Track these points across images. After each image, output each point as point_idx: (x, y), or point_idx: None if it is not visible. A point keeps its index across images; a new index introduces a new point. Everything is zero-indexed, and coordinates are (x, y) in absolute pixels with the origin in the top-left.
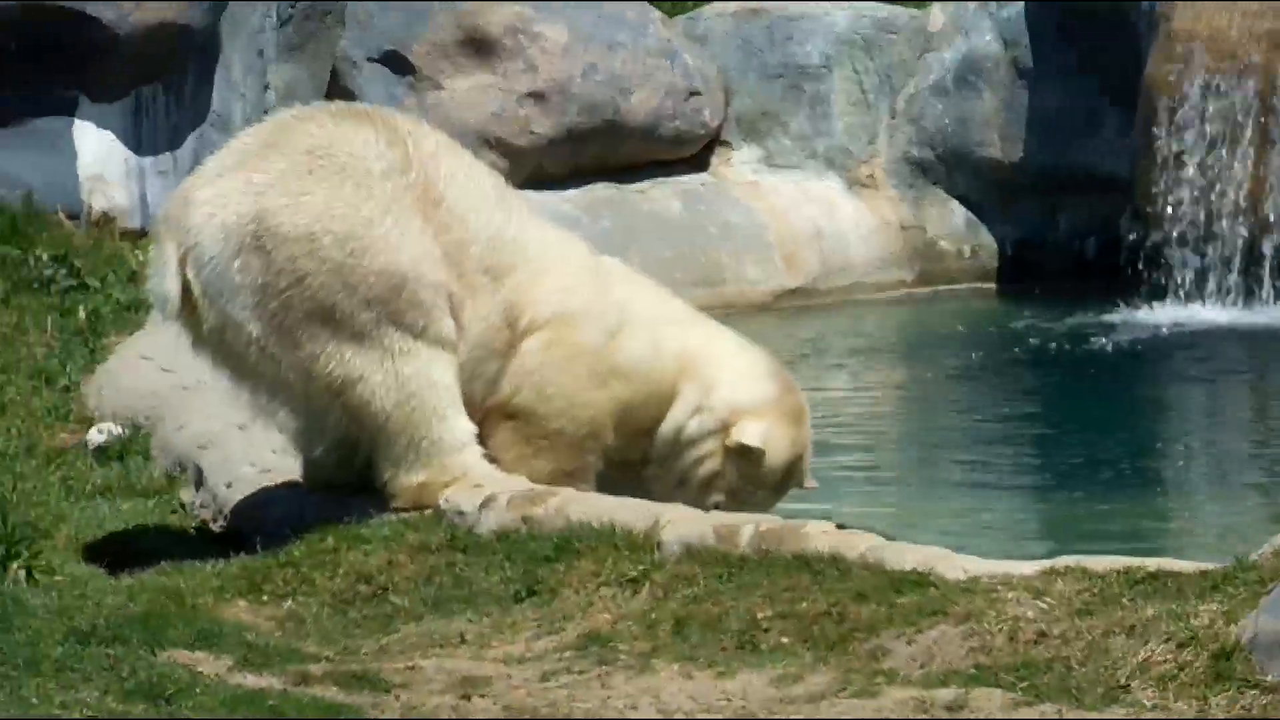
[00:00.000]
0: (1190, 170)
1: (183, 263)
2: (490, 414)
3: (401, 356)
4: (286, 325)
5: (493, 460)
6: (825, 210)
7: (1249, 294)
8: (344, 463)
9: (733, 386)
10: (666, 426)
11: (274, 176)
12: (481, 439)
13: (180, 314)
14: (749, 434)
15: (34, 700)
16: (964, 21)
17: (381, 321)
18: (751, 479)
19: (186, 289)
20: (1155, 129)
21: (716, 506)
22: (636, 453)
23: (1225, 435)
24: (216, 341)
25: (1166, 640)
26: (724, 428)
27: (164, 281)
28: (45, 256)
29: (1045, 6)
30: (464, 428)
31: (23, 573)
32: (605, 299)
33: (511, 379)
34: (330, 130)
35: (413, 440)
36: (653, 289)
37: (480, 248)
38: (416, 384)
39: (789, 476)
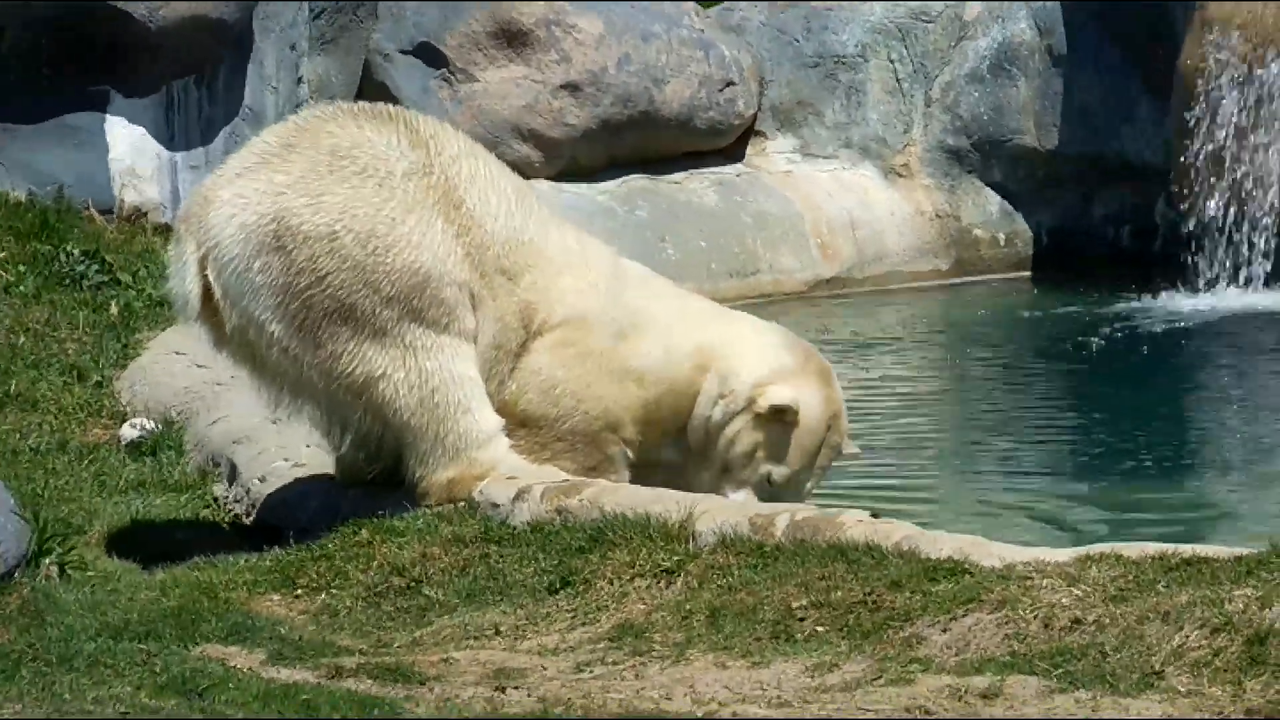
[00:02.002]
0: (1225, 157)
1: (203, 263)
2: (504, 418)
3: (424, 352)
4: (308, 324)
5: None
6: (860, 199)
7: None
8: (372, 459)
9: (750, 365)
10: (694, 422)
11: (295, 176)
12: None
13: (201, 314)
14: (778, 395)
15: (67, 696)
16: (1000, 9)
17: (403, 319)
18: (793, 441)
19: (207, 289)
20: (1189, 116)
21: (769, 481)
22: (671, 453)
23: (1261, 421)
24: (239, 341)
25: (1201, 626)
26: (750, 403)
27: (184, 283)
28: (77, 252)
29: None
30: (490, 420)
31: (55, 569)
32: (619, 302)
33: (518, 379)
34: (353, 131)
35: (439, 436)
36: (671, 291)
37: (498, 249)
38: (439, 379)
39: (831, 434)
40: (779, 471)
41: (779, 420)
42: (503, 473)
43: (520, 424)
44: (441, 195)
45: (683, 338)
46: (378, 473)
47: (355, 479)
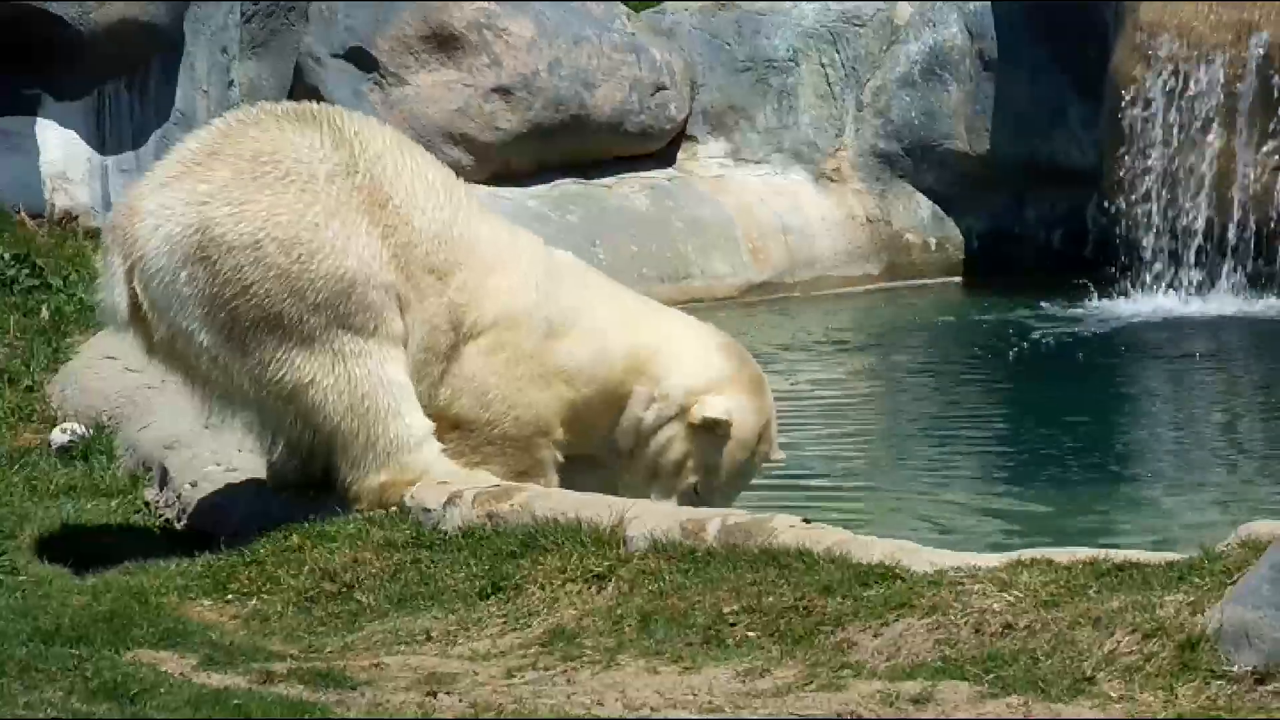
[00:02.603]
0: (1156, 162)
1: (130, 274)
2: (435, 421)
3: (352, 358)
4: (236, 333)
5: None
6: (792, 204)
7: (1214, 284)
8: (304, 464)
9: (684, 370)
10: (624, 424)
11: (217, 185)
12: None
13: (130, 324)
14: (712, 407)
15: None
16: (931, 13)
17: (331, 325)
18: (724, 454)
19: (136, 300)
20: (1121, 120)
21: (695, 490)
22: (597, 448)
23: (1192, 426)
24: (167, 351)
25: (1132, 631)
26: (683, 411)
27: (113, 294)
28: (7, 256)
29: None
30: (420, 424)
31: None
32: (552, 300)
33: (451, 384)
34: (275, 135)
35: (369, 441)
36: (605, 286)
37: (426, 247)
38: (369, 384)
39: (760, 444)
40: (707, 480)
41: (711, 432)
42: (434, 478)
43: (452, 427)
44: (367, 195)
45: (616, 338)
46: (309, 477)
47: (287, 483)
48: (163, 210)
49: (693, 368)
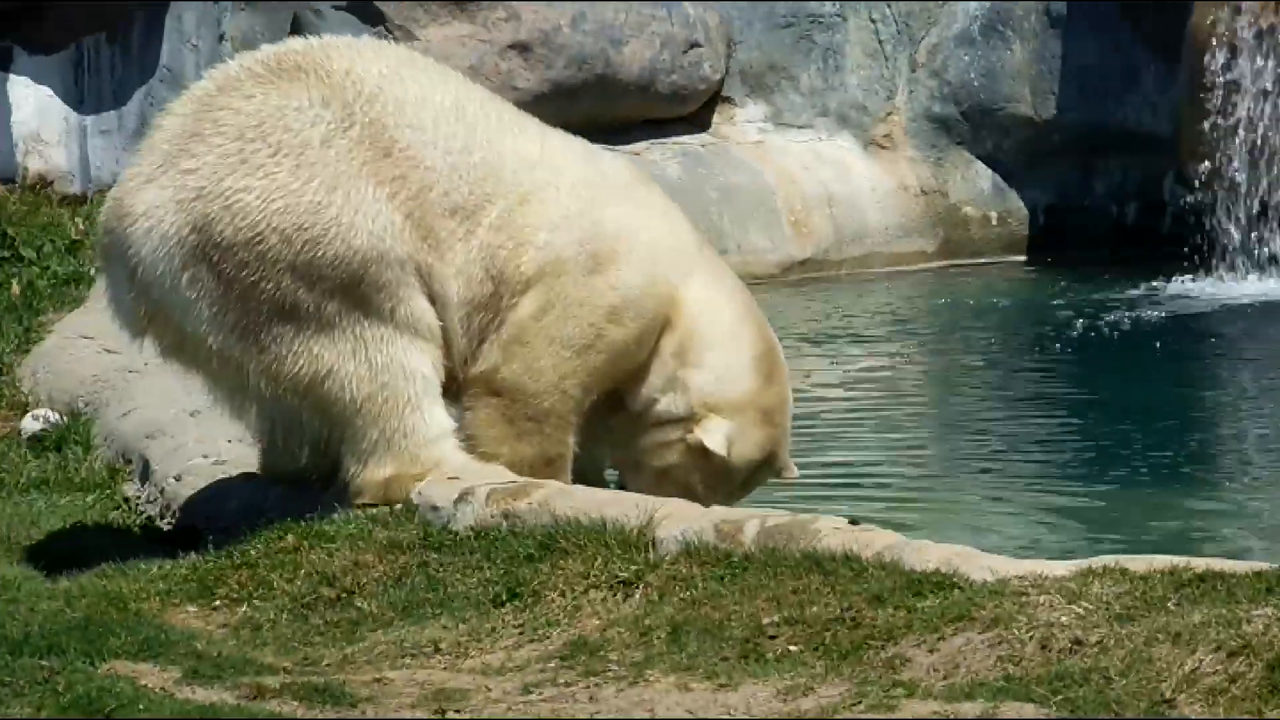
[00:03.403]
0: (1239, 128)
1: (131, 278)
2: (473, 384)
3: (374, 344)
4: (249, 331)
5: (470, 443)
6: (838, 173)
7: None
8: (305, 459)
9: (712, 373)
10: (641, 393)
11: (205, 174)
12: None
13: (147, 332)
14: (712, 437)
15: None
16: None
17: (349, 310)
18: (709, 478)
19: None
20: (1201, 82)
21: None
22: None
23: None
24: (177, 354)
25: (1216, 649)
26: (690, 417)
27: (121, 305)
28: None
29: None
30: (440, 419)
31: None
32: (600, 226)
33: (501, 344)
34: (258, 102)
35: (383, 431)
36: (660, 207)
37: (443, 185)
38: (390, 373)
39: (753, 478)
40: (695, 490)
41: (703, 456)
42: (446, 471)
43: (493, 392)
44: (368, 148)
45: (666, 272)
46: (310, 471)
47: (283, 476)
48: (153, 210)
49: (718, 372)
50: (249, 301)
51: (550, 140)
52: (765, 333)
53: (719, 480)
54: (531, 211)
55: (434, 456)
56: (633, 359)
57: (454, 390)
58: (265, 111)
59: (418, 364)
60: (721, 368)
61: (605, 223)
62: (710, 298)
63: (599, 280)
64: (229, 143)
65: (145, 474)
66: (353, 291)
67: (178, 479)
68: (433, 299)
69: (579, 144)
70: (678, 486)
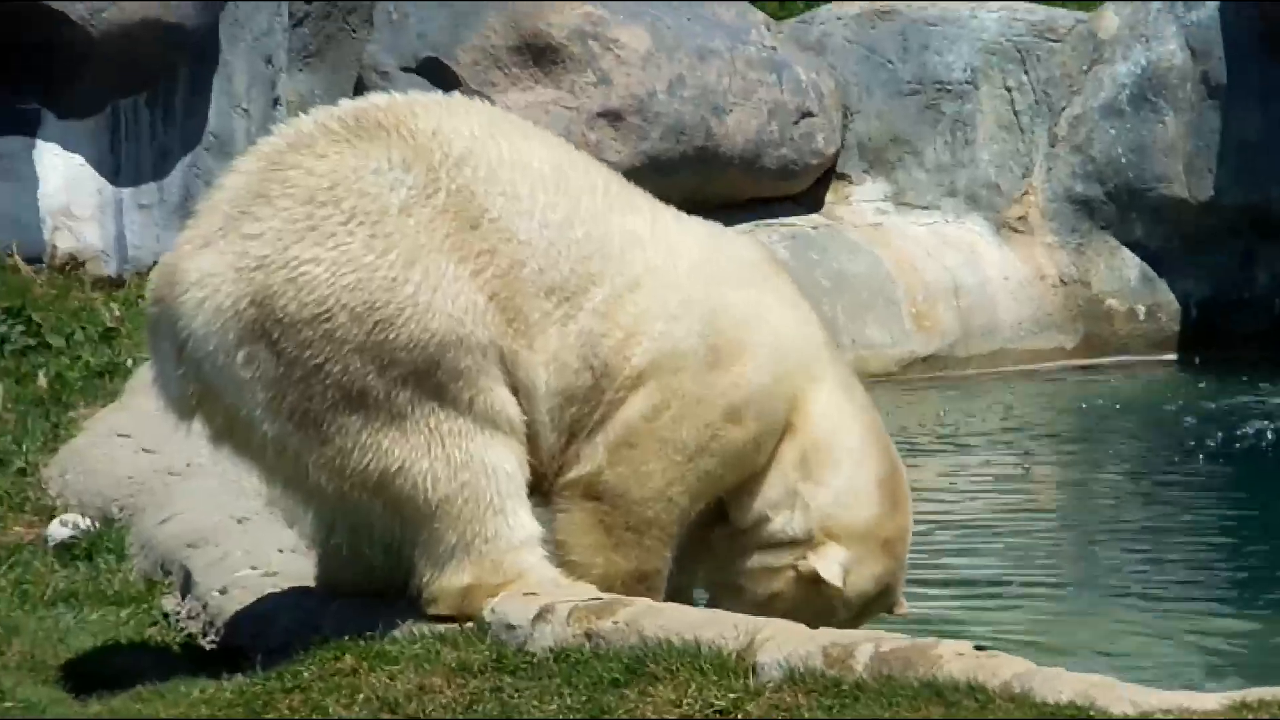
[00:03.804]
0: None
1: (180, 353)
2: (569, 487)
3: (451, 439)
4: (309, 419)
5: (559, 551)
6: (966, 259)
7: None
8: (372, 569)
9: (835, 494)
10: (753, 506)
11: (269, 241)
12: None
13: (195, 415)
14: (827, 566)
15: None
16: (1144, 27)
17: (423, 399)
18: (817, 610)
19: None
20: None
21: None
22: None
23: None
24: (228, 439)
25: None
26: (805, 541)
27: (168, 383)
28: None
29: (1244, 8)
30: (526, 524)
31: None
32: (722, 314)
33: (607, 450)
34: (332, 162)
35: (463, 535)
36: (789, 296)
37: (538, 262)
38: (470, 471)
39: (864, 613)
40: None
41: (814, 584)
42: (528, 586)
43: (592, 496)
44: (453, 218)
45: (789, 375)
46: (376, 583)
47: (342, 588)
48: (209, 279)
49: (842, 495)
50: (311, 386)
51: (663, 216)
52: (891, 454)
53: (828, 614)
54: (645, 297)
55: (518, 565)
56: (749, 465)
57: (539, 490)
58: (340, 173)
59: (500, 461)
60: (845, 490)
61: (728, 310)
62: (838, 408)
63: (720, 376)
64: (297, 206)
65: (186, 586)
66: (427, 379)
67: (223, 592)
68: (516, 389)
69: (696, 222)
70: (780, 617)
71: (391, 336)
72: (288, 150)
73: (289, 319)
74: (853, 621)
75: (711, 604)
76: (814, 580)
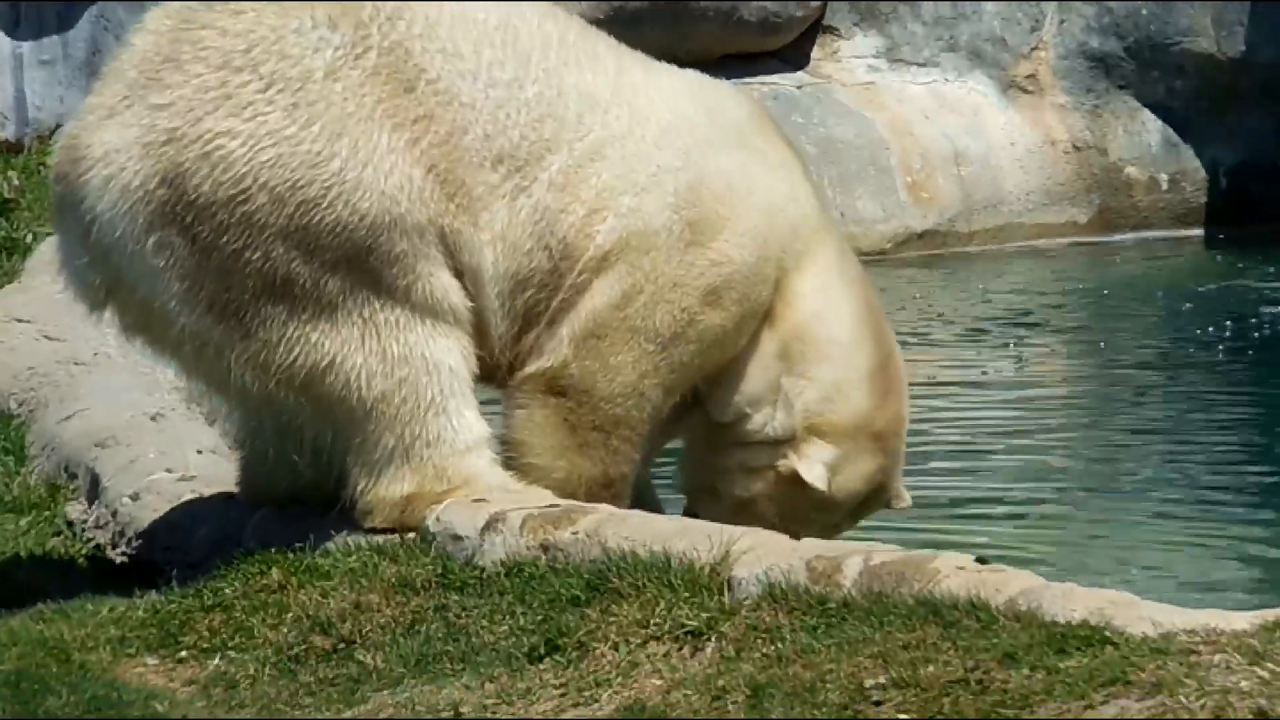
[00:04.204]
0: None
1: (86, 239)
2: (528, 381)
3: (387, 331)
4: (230, 311)
5: (515, 453)
6: (969, 123)
7: None
8: (299, 472)
9: (822, 390)
10: (732, 400)
11: (179, 112)
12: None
13: (107, 304)
14: (810, 468)
15: None
16: None
17: (352, 289)
18: (803, 512)
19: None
20: None
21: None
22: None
23: None
24: (142, 333)
25: None
26: (790, 439)
27: (75, 268)
28: None
29: None
30: (472, 425)
31: None
32: (701, 184)
33: (573, 342)
34: (249, 20)
35: (401, 439)
36: (779, 158)
37: (482, 128)
38: (410, 367)
39: (856, 513)
40: (783, 527)
41: (797, 485)
42: (476, 491)
43: (555, 392)
44: (385, 82)
45: (778, 249)
46: (307, 490)
47: (268, 495)
48: (114, 155)
49: (829, 390)
50: (231, 275)
51: (631, 69)
52: (885, 337)
53: (814, 516)
54: (610, 166)
55: (464, 470)
56: (726, 352)
57: (491, 382)
58: (258, 33)
59: (443, 355)
60: (832, 384)
61: (707, 180)
62: (828, 289)
63: (698, 255)
64: (211, 72)
65: (94, 492)
66: (359, 266)
67: (134, 498)
68: (460, 272)
69: (670, 72)
70: (763, 521)
71: (317, 219)
72: (201, 6)
73: (203, 200)
74: (846, 523)
75: (687, 514)
76: (797, 482)
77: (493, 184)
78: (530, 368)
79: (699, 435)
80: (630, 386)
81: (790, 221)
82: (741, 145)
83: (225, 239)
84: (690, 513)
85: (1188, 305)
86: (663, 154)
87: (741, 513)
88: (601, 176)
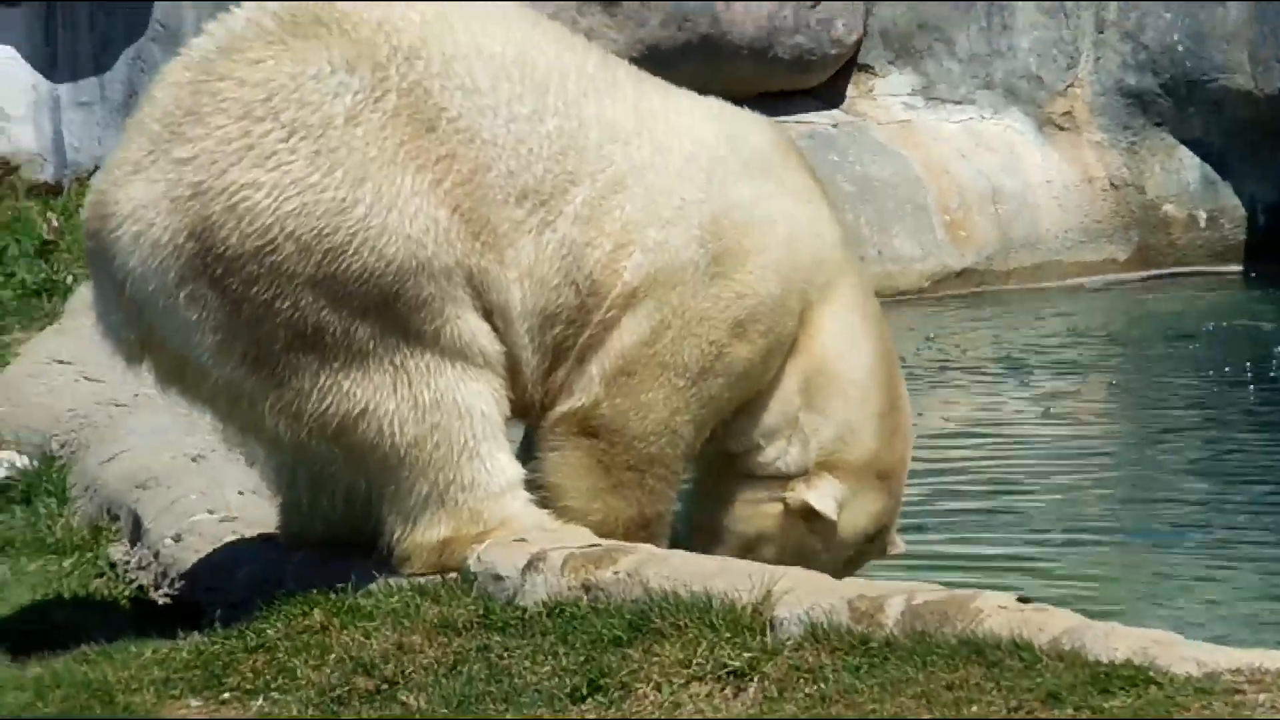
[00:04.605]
0: None
1: (120, 295)
2: (560, 422)
3: (418, 377)
4: (262, 362)
5: (550, 495)
6: (1005, 161)
7: None
8: (336, 516)
9: (837, 428)
10: (749, 431)
11: (203, 165)
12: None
13: (145, 358)
14: (821, 498)
15: None
16: None
17: (382, 335)
18: (807, 551)
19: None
20: None
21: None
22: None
23: None
24: (177, 383)
25: None
26: (800, 475)
27: (113, 326)
28: None
29: None
30: (506, 467)
31: None
32: (725, 215)
33: (604, 380)
34: (268, 69)
35: (435, 485)
36: (803, 189)
37: (505, 164)
38: (441, 413)
39: (858, 557)
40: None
41: (806, 519)
42: (513, 532)
43: (587, 433)
44: (406, 123)
45: (802, 283)
46: (344, 533)
47: (308, 538)
48: (142, 211)
49: (842, 429)
50: (262, 325)
51: (651, 98)
52: (897, 377)
53: (818, 556)
54: (634, 199)
55: (500, 513)
56: (754, 384)
57: (524, 419)
58: (277, 81)
59: (474, 398)
60: (847, 423)
61: (731, 210)
62: (850, 327)
63: (723, 288)
64: (232, 123)
65: (136, 533)
66: (388, 312)
67: (176, 540)
68: (490, 311)
69: (690, 100)
70: (765, 562)
71: (344, 267)
72: (219, 57)
73: (231, 253)
74: (847, 567)
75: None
76: (805, 516)
77: (517, 220)
78: (562, 407)
79: (706, 469)
80: (662, 424)
81: (814, 253)
82: (764, 174)
83: (255, 290)
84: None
85: (1226, 343)
86: (686, 185)
87: (742, 554)
88: (625, 209)
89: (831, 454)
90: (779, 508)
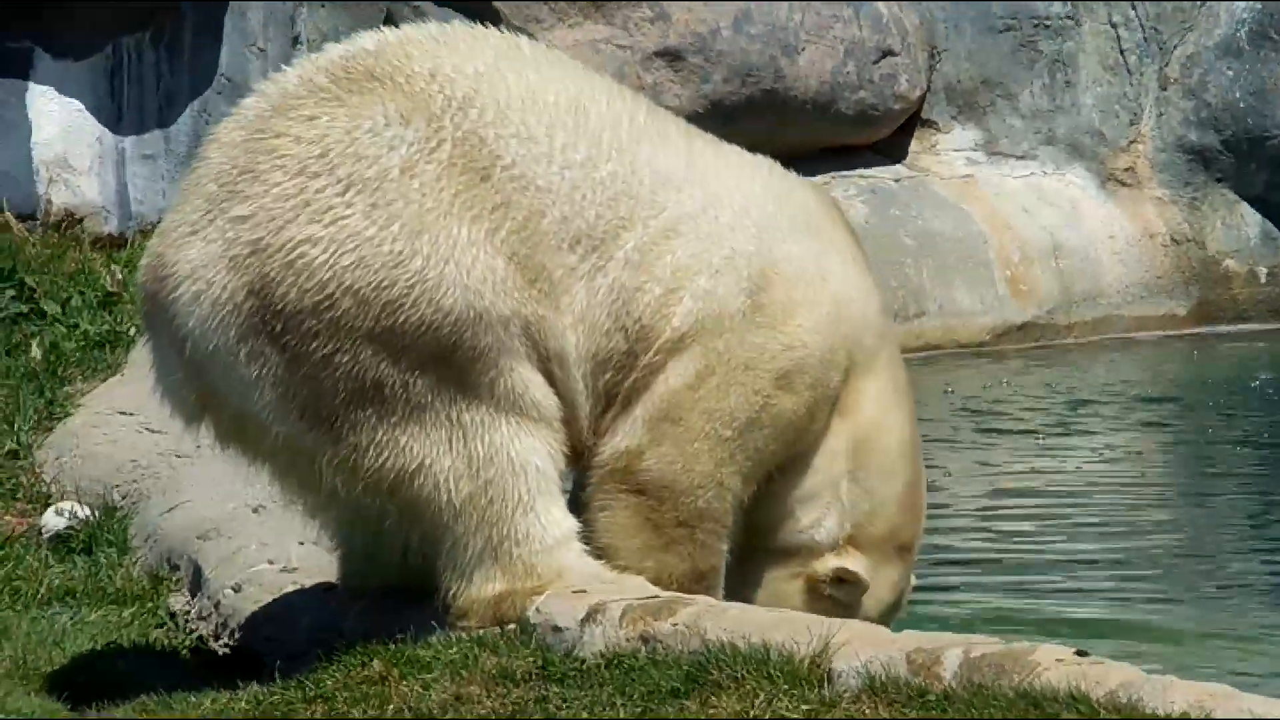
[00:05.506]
0: None
1: (180, 355)
2: (607, 479)
3: (473, 431)
4: (321, 416)
5: (602, 554)
6: (1067, 216)
7: None
8: (392, 567)
9: (869, 502)
10: (789, 493)
11: (261, 223)
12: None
13: (204, 417)
14: (857, 563)
15: None
16: None
17: (440, 388)
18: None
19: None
20: None
21: None
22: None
23: None
24: (236, 441)
25: None
26: (830, 549)
27: (172, 385)
28: None
29: None
30: (560, 521)
31: None
32: (773, 268)
33: (647, 426)
34: (323, 126)
35: (490, 541)
36: (849, 251)
37: (560, 211)
38: (496, 467)
39: (885, 616)
40: None
41: (834, 585)
42: (570, 585)
43: (635, 490)
44: (461, 173)
45: (848, 343)
46: (400, 581)
47: (367, 586)
48: (200, 271)
49: (873, 503)
50: (321, 380)
51: (701, 150)
52: (919, 450)
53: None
54: (685, 244)
55: (555, 566)
56: (802, 439)
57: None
58: (332, 137)
59: (528, 453)
60: (878, 497)
61: (781, 263)
62: (885, 396)
63: (770, 338)
64: (289, 180)
65: (196, 583)
66: (445, 364)
67: (236, 590)
68: (548, 357)
69: (737, 154)
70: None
71: (402, 320)
72: (273, 115)
73: (290, 309)
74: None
75: None
76: (834, 583)
77: (571, 265)
78: (605, 452)
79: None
80: (709, 476)
81: (861, 314)
82: (813, 233)
83: (314, 345)
84: None
85: None
86: (737, 236)
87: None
88: (676, 254)
89: (861, 527)
90: (800, 584)
